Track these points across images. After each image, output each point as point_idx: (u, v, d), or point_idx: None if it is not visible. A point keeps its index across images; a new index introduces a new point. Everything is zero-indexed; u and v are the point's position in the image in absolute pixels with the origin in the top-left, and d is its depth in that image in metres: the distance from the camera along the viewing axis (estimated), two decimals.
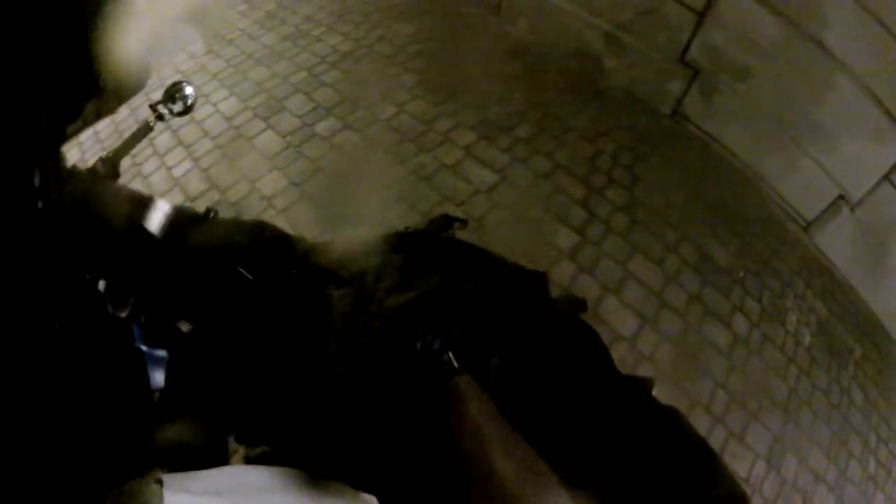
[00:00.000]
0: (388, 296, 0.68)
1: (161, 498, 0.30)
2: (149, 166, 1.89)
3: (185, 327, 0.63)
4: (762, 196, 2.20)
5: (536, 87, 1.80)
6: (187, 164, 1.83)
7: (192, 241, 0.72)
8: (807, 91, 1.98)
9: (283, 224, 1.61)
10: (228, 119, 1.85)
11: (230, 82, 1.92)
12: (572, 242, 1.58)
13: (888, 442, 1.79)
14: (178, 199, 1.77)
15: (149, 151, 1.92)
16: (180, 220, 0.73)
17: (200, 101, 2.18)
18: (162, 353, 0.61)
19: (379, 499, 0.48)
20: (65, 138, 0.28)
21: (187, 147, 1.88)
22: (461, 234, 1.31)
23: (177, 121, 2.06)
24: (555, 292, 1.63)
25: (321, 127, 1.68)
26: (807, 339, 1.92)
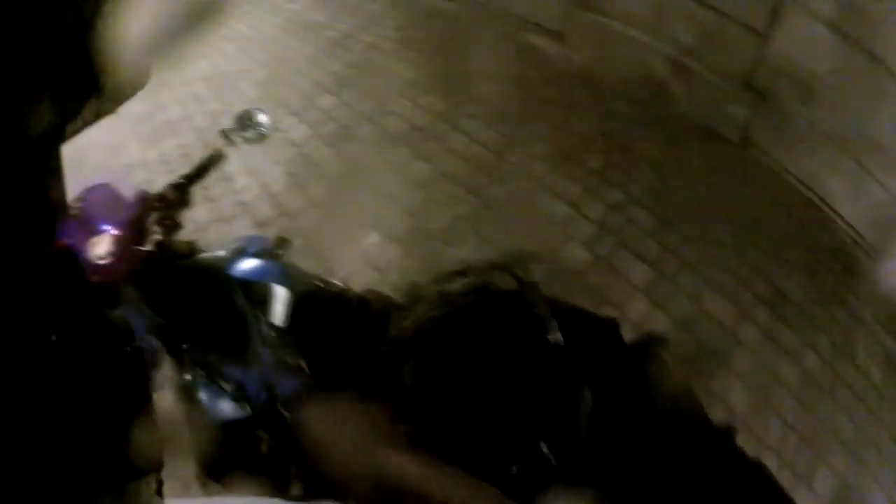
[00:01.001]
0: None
1: (161, 500, 0.30)
2: (217, 190, 1.93)
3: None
4: (830, 224, 2.12)
5: (603, 116, 1.78)
6: (256, 191, 1.87)
7: (314, 327, 0.72)
8: (870, 112, 1.91)
9: (354, 254, 1.61)
10: (297, 146, 1.88)
11: (298, 109, 1.96)
12: (647, 277, 1.54)
13: None
14: (247, 224, 1.80)
15: (217, 175, 1.96)
16: (297, 303, 0.72)
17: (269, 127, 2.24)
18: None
19: None
20: (65, 138, 0.28)
21: (256, 173, 1.91)
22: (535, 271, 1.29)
23: (245, 146, 2.11)
24: (625, 331, 1.60)
25: (391, 156, 1.69)
26: (876, 377, 1.82)
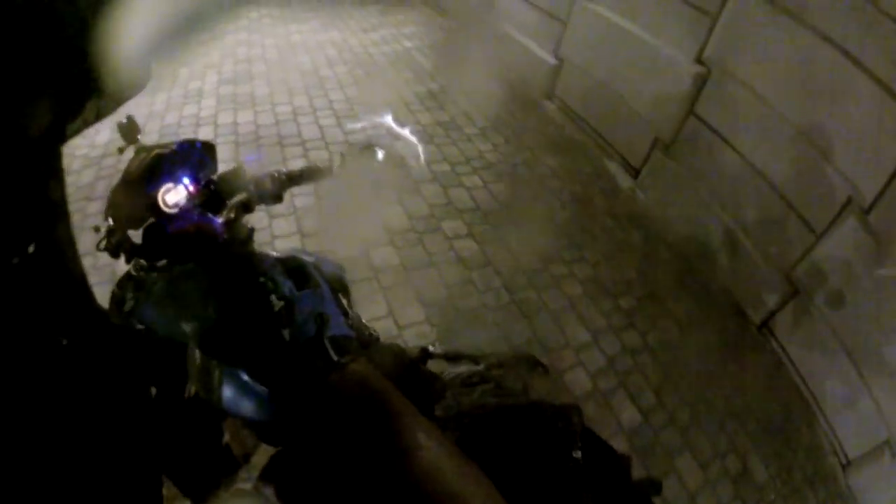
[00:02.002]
0: None
1: (161, 499, 0.31)
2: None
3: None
4: (815, 425, 2.18)
5: (650, 261, 1.88)
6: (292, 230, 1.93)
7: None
8: (882, 329, 1.98)
9: (381, 301, 1.67)
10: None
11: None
12: (636, 422, 1.62)
13: None
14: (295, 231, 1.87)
15: (260, 213, 2.06)
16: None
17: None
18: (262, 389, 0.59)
19: None
20: (65, 138, 0.28)
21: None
22: (536, 376, 1.37)
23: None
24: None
25: (447, 225, 1.79)
26: None
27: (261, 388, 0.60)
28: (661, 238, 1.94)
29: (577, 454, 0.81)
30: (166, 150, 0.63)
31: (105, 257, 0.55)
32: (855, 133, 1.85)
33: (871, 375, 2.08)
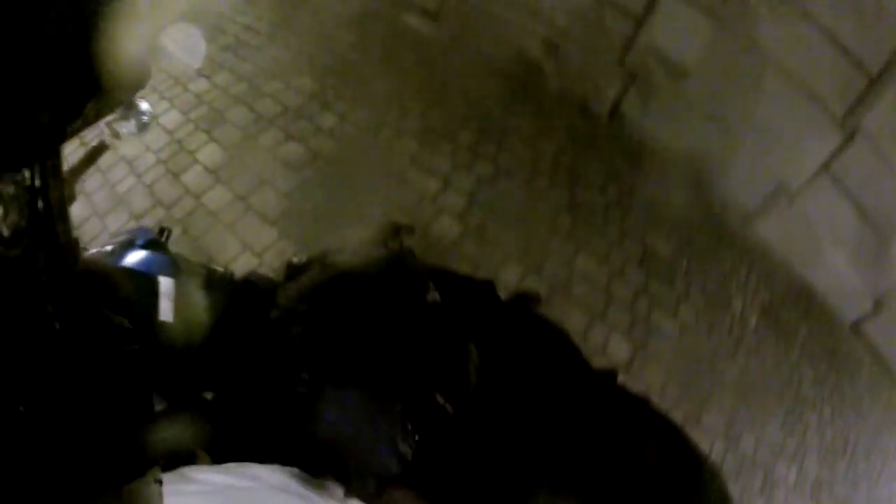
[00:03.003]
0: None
1: (161, 498, 0.30)
2: (91, 184, 1.82)
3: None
4: (702, 192, 2.32)
5: (476, 94, 1.84)
6: (131, 181, 1.78)
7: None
8: (742, 89, 2.09)
9: (231, 239, 1.59)
10: (170, 132, 1.80)
11: (170, 94, 1.88)
12: (519, 244, 1.63)
13: (842, 412, 1.89)
14: (124, 217, 1.71)
15: (91, 169, 1.85)
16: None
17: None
18: None
19: None
20: (65, 138, 0.28)
21: (130, 163, 1.82)
22: (409, 241, 1.33)
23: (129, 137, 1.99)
24: (503, 294, 1.68)
25: (264, 138, 1.66)
26: (752, 322, 2.02)
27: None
28: (480, 68, 1.91)
29: (433, 296, 0.77)
30: None
31: None
32: None
33: (739, 132, 2.20)
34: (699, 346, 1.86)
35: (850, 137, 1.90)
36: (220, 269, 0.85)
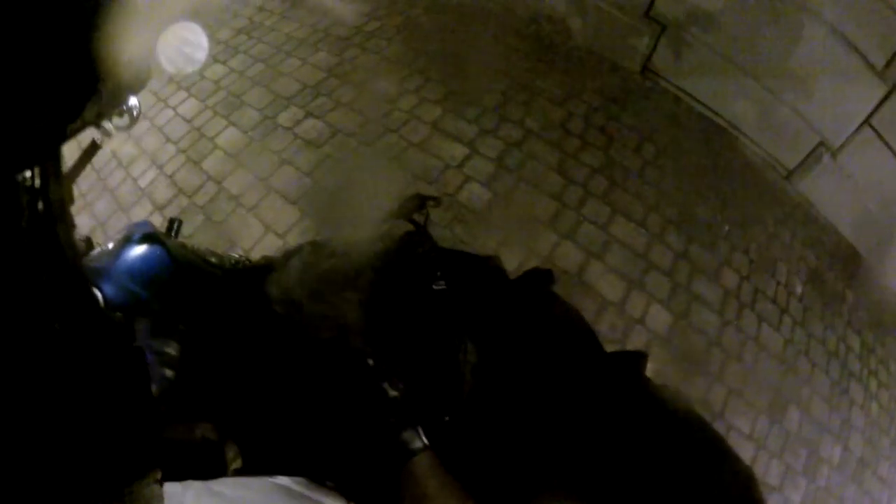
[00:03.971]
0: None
1: (161, 499, 0.30)
2: (114, 179, 1.83)
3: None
4: (740, 148, 2.17)
5: (500, 56, 1.76)
6: (153, 173, 1.78)
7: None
8: (777, 39, 1.94)
9: (254, 222, 1.57)
10: (189, 121, 1.79)
11: (186, 83, 1.86)
12: (551, 210, 1.55)
13: (888, 386, 1.79)
14: (148, 209, 1.72)
15: (113, 164, 1.86)
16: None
17: (159, 105, 2.12)
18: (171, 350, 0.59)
19: None
20: (65, 138, 0.28)
21: (151, 154, 1.82)
22: (436, 213, 1.28)
23: (138, 128, 2.00)
24: (535, 263, 1.61)
25: (283, 118, 1.63)
26: (798, 289, 1.90)
27: None
28: (502, 28, 1.81)
29: (440, 285, 0.71)
30: None
31: None
32: None
33: (777, 85, 2.05)
34: (743, 315, 1.75)
35: (893, 89, 1.74)
36: (236, 255, 0.82)
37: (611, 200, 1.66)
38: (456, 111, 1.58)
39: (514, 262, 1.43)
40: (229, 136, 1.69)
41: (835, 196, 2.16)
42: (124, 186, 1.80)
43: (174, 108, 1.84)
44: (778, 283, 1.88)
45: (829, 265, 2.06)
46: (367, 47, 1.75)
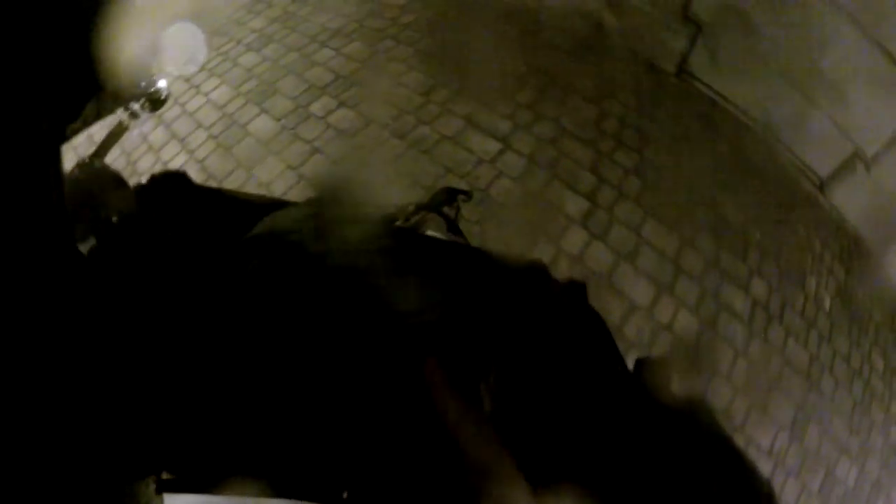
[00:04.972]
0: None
1: (162, 499, 0.30)
2: (144, 163, 1.86)
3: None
4: (774, 153, 2.13)
5: (535, 52, 1.74)
6: (182, 157, 1.80)
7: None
8: (814, 43, 1.90)
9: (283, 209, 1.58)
10: (221, 107, 1.81)
11: (220, 70, 1.88)
12: (582, 209, 1.53)
13: None
14: None
15: (143, 147, 1.88)
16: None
17: (191, 91, 2.14)
18: None
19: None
20: (65, 138, 0.28)
21: (181, 140, 1.84)
22: (466, 208, 1.26)
23: (170, 113, 2.01)
24: (565, 262, 1.59)
25: (315, 107, 1.63)
26: (827, 303, 1.85)
27: None
28: (540, 26, 1.80)
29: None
30: None
31: None
32: None
33: (812, 91, 2.01)
34: (770, 327, 1.70)
35: None
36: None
37: (644, 202, 1.63)
38: (489, 105, 1.56)
39: (544, 261, 1.42)
40: (261, 124, 1.70)
41: (866, 210, 2.11)
42: (155, 170, 1.81)
43: (206, 95, 1.86)
44: (806, 297, 1.84)
45: (858, 280, 2.00)
46: (401, 39, 1.75)
